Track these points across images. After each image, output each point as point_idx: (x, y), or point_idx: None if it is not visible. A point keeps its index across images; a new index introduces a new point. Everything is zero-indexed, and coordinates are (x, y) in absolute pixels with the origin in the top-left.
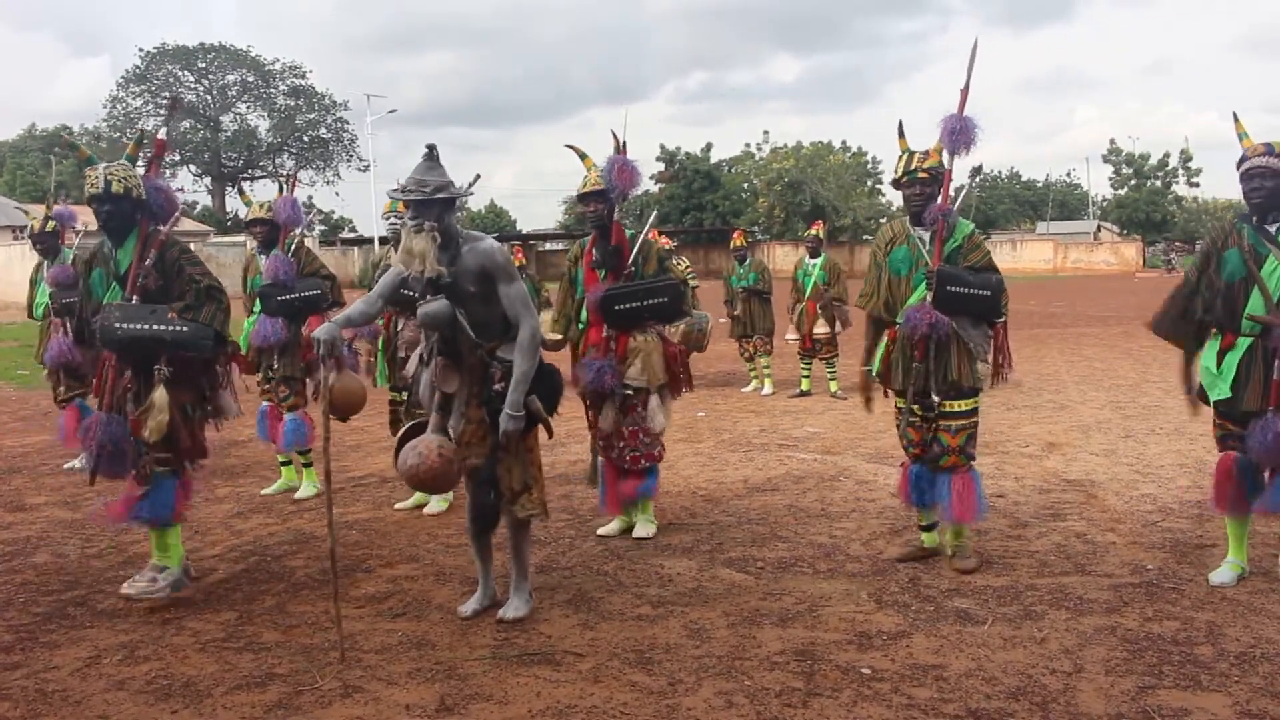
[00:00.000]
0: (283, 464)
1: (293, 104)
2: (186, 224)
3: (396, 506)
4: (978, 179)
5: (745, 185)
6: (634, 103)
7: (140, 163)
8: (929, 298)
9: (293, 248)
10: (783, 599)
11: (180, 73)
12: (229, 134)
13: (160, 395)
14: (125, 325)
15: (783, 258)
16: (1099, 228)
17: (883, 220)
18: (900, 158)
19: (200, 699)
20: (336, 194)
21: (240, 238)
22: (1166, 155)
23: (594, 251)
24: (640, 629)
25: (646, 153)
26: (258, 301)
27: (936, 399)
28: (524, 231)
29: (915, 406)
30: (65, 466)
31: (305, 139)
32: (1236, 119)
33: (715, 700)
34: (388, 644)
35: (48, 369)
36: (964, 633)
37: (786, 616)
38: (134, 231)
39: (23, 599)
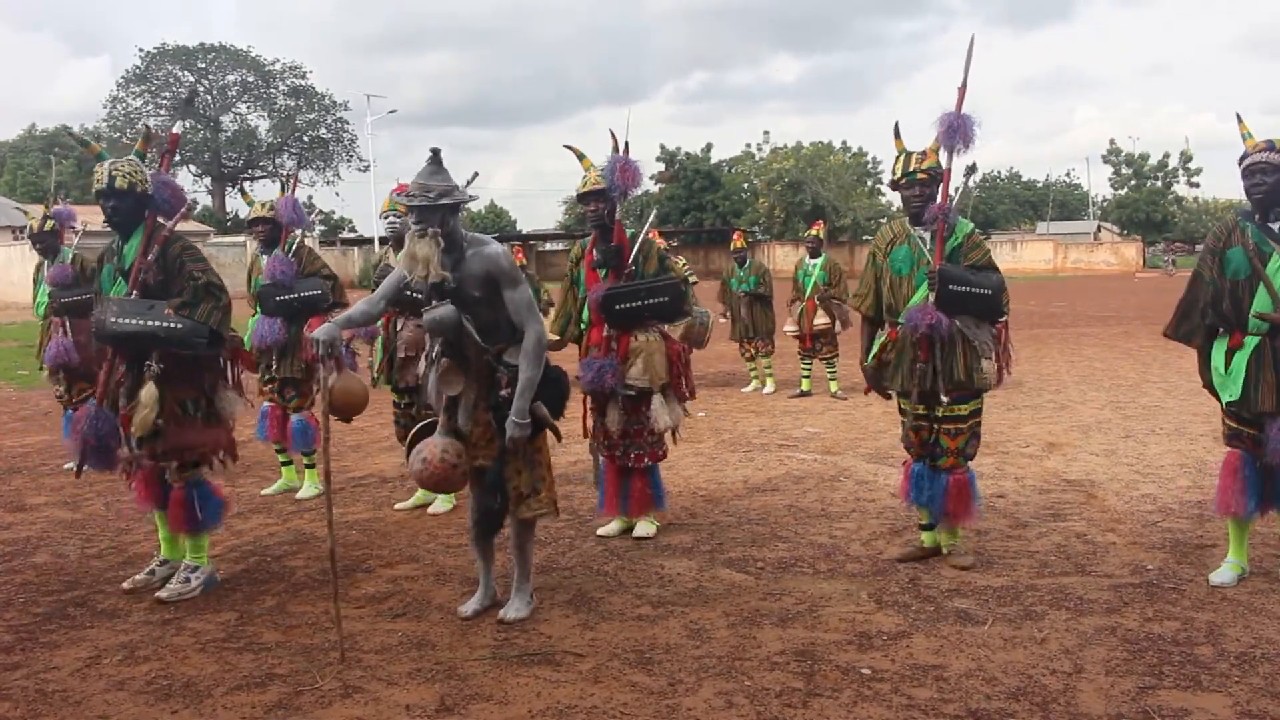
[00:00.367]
0: (284, 464)
1: (293, 104)
2: (187, 224)
3: (397, 507)
4: (973, 178)
5: (745, 185)
6: (634, 103)
7: (151, 158)
8: (931, 297)
9: (293, 248)
10: (783, 599)
11: (180, 73)
12: (229, 134)
13: (148, 391)
14: (119, 320)
15: (783, 258)
16: (1099, 228)
17: (883, 220)
18: (898, 159)
19: (200, 699)
20: (336, 194)
21: (240, 238)
22: (1166, 155)
23: (595, 251)
24: (640, 629)
25: (647, 153)
26: (258, 301)
27: (945, 400)
28: (524, 232)
29: (920, 408)
30: (65, 466)
31: (305, 139)
32: (1240, 119)
33: (715, 700)
34: (388, 644)
35: (48, 369)
36: (964, 633)
37: (786, 617)
38: (140, 227)
39: (23, 599)
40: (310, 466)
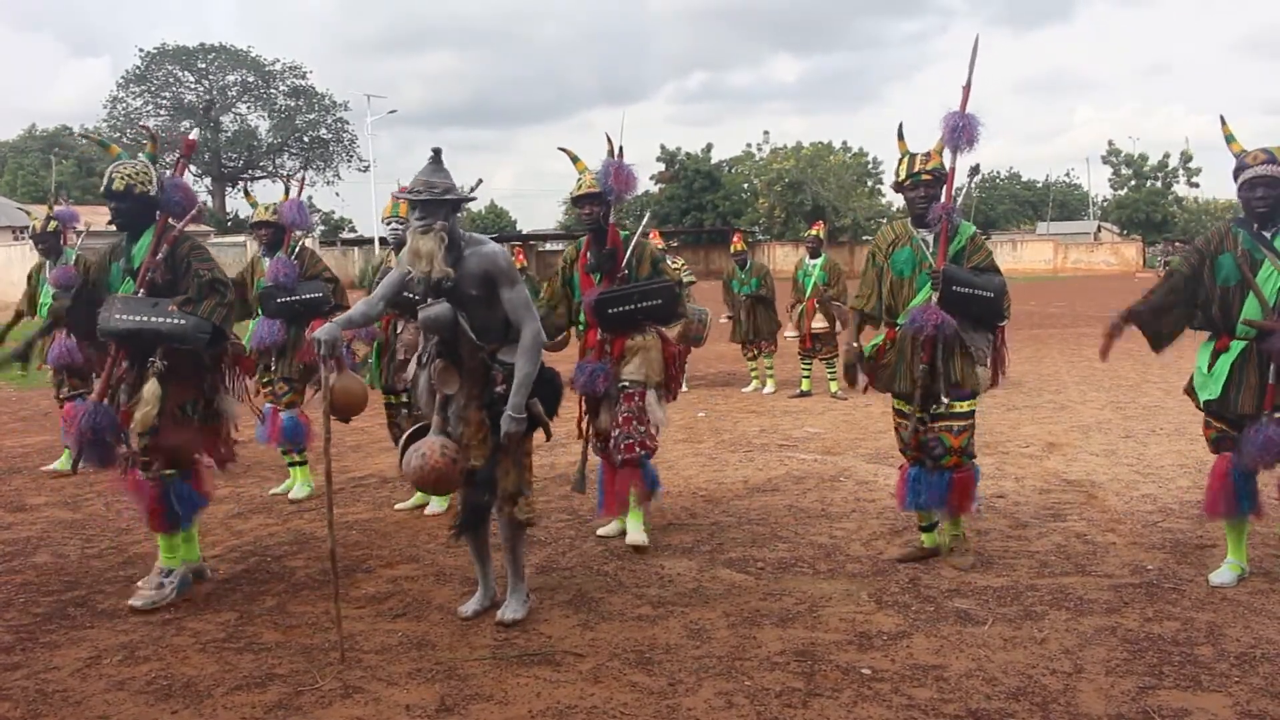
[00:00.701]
0: (290, 464)
1: (293, 104)
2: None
3: (397, 507)
4: (976, 179)
5: (745, 185)
6: (634, 103)
7: (166, 161)
8: (934, 298)
9: (296, 250)
10: (783, 599)
11: (180, 73)
12: (229, 134)
13: (151, 388)
14: (122, 317)
15: (783, 258)
16: (1099, 228)
17: (883, 220)
18: (901, 160)
19: (200, 699)
20: (337, 194)
21: (240, 238)
22: (1166, 156)
23: (589, 255)
24: (640, 629)
25: (647, 153)
26: (259, 303)
27: (945, 401)
28: (524, 232)
29: (920, 410)
30: (45, 467)
31: (305, 139)
32: (1224, 121)
33: (715, 700)
34: (388, 644)
35: (51, 368)
36: (964, 633)
37: (787, 617)
38: (150, 228)
39: (23, 599)
40: (301, 464)
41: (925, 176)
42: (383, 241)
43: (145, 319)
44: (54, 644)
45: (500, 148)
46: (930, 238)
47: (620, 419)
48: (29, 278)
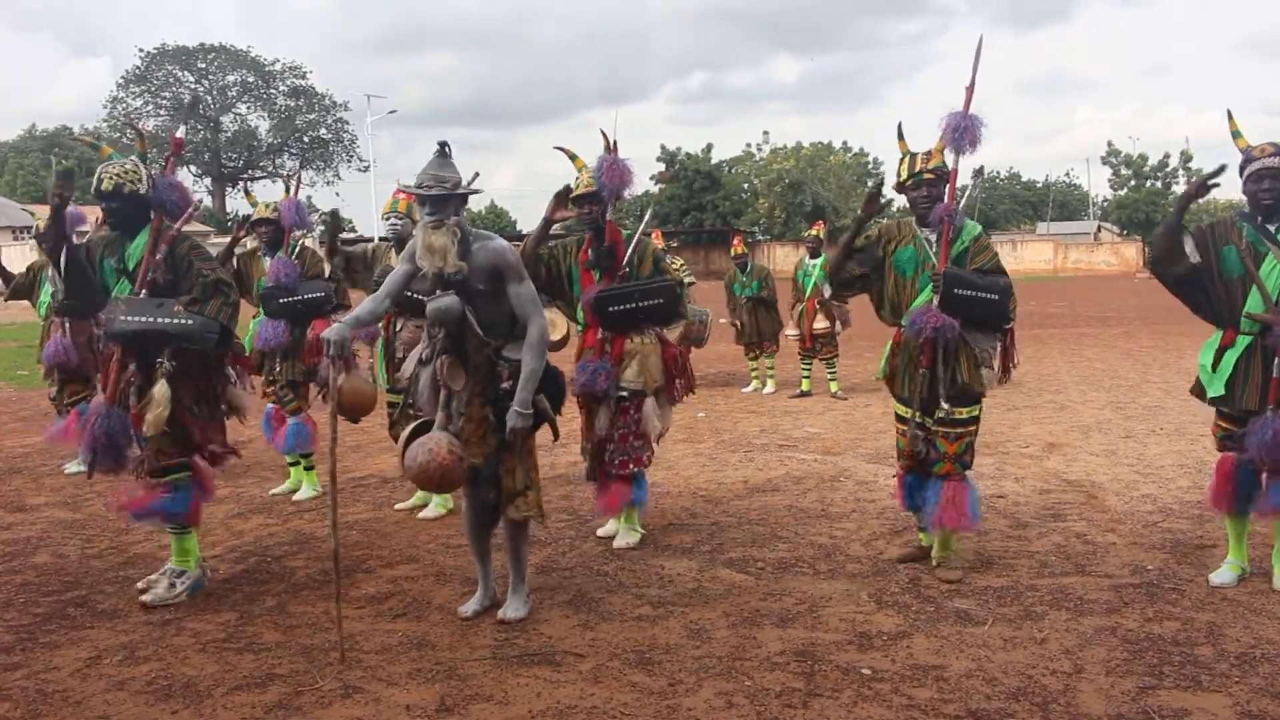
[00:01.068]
0: (291, 464)
1: (293, 104)
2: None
3: (397, 507)
4: (981, 180)
5: (745, 186)
6: (634, 103)
7: (154, 158)
8: (935, 300)
9: (296, 250)
10: (783, 599)
11: (180, 73)
12: (229, 134)
13: (161, 389)
14: (129, 318)
15: (783, 258)
16: (1099, 228)
17: (883, 220)
18: (902, 160)
19: (200, 699)
20: (337, 194)
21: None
22: (1166, 156)
23: (589, 252)
24: (640, 629)
25: (647, 153)
26: (260, 303)
27: (946, 406)
28: (524, 232)
29: (918, 417)
30: (65, 470)
31: (305, 139)
32: (1230, 117)
33: (715, 701)
34: (388, 644)
35: (44, 368)
36: (964, 633)
37: (787, 617)
38: (146, 227)
39: (23, 599)
40: (309, 469)
41: (927, 175)
42: (382, 239)
43: (152, 320)
44: (54, 644)
45: (500, 148)
46: (934, 238)
47: (618, 434)
48: (28, 269)
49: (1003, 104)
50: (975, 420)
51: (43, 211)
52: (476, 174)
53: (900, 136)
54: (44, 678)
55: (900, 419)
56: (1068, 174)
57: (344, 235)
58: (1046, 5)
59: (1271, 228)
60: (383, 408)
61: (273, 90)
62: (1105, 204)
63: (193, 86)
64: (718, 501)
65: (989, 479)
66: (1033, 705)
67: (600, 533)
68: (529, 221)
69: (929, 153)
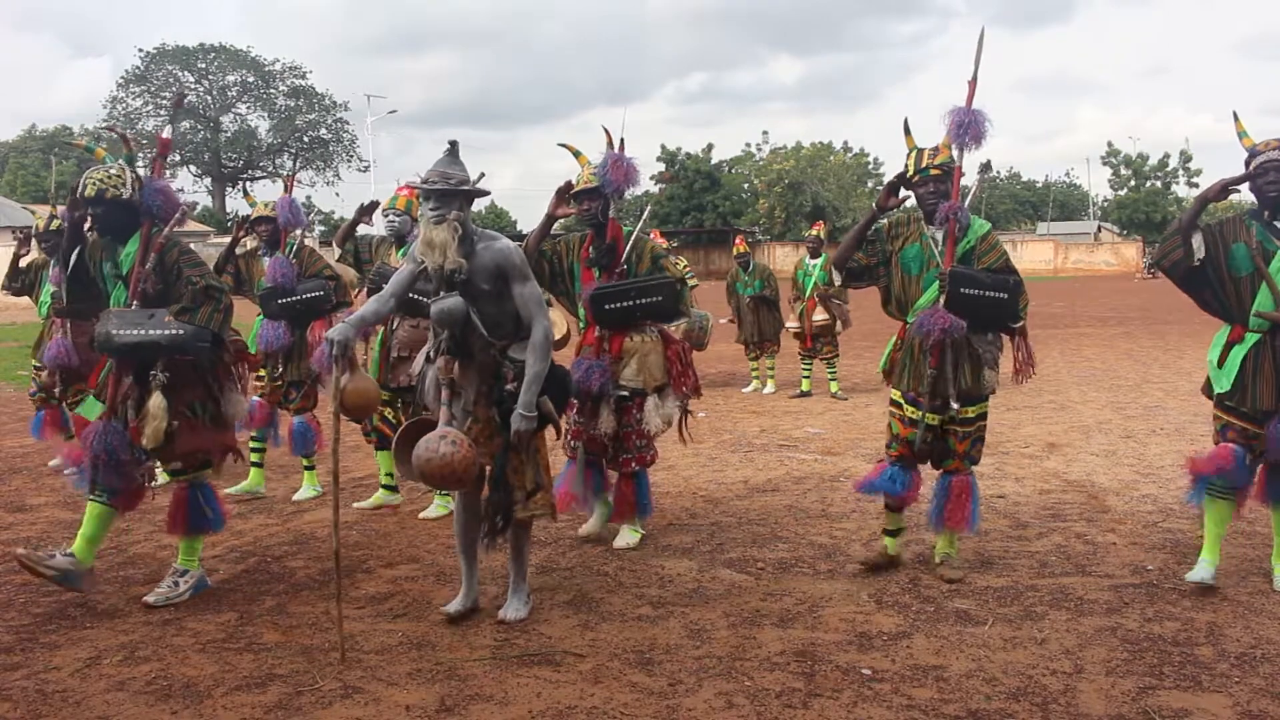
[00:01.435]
0: (254, 464)
1: (293, 104)
2: (186, 224)
3: (355, 505)
4: (986, 176)
5: (745, 186)
6: (635, 104)
7: (143, 159)
8: (942, 299)
9: (294, 249)
10: (783, 599)
11: (180, 73)
12: (229, 134)
13: (156, 401)
14: (122, 332)
15: (783, 258)
16: (1099, 228)
17: (896, 213)
18: (909, 156)
19: (200, 700)
20: (337, 194)
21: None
22: (1166, 156)
23: (589, 250)
24: (640, 629)
25: (647, 153)
26: (260, 304)
27: (956, 406)
28: (524, 232)
29: (930, 416)
30: (50, 465)
31: (305, 139)
32: (1236, 118)
33: (716, 701)
34: (388, 644)
35: (46, 368)
36: (964, 633)
37: (787, 617)
38: (136, 234)
39: (23, 599)
40: (309, 468)
41: (934, 171)
42: (381, 239)
43: (144, 332)
44: (54, 644)
45: (500, 148)
46: (939, 236)
47: (620, 434)
48: (28, 267)
49: (1003, 104)
50: (984, 418)
51: (44, 211)
52: (483, 174)
53: (907, 132)
54: (44, 678)
55: (895, 404)
56: (1068, 174)
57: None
58: (1046, 5)
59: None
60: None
61: (273, 90)
62: (1105, 204)
63: (193, 86)
64: (718, 501)
65: (989, 479)
66: (1033, 705)
67: (581, 531)
68: (529, 221)
69: (936, 148)
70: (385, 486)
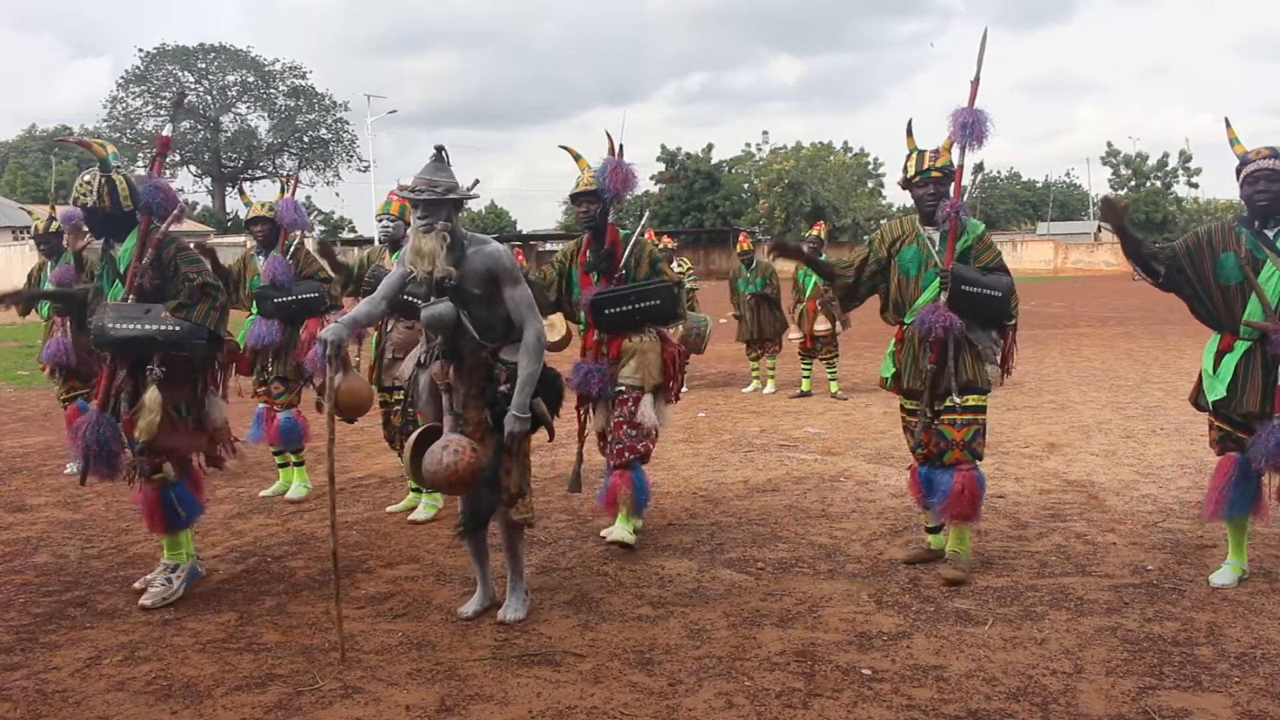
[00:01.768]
0: (280, 466)
1: (293, 104)
2: (186, 224)
3: (389, 509)
4: (979, 177)
5: (745, 186)
6: (635, 104)
7: (143, 162)
8: (942, 297)
9: (292, 249)
10: (783, 599)
11: (180, 73)
12: (229, 134)
13: (151, 395)
14: (118, 326)
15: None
16: (1099, 228)
17: (883, 221)
18: (910, 156)
19: (200, 700)
20: (336, 194)
21: (240, 238)
22: (1166, 156)
23: (588, 253)
24: (640, 629)
25: (647, 153)
26: (255, 302)
27: (956, 400)
28: (524, 232)
29: (929, 410)
30: (66, 470)
31: (305, 139)
32: (1228, 124)
33: (716, 701)
34: (388, 644)
35: (46, 367)
36: (964, 633)
37: (787, 617)
38: (132, 231)
39: (23, 599)
40: (299, 465)
41: (935, 173)
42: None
43: (141, 327)
44: (54, 644)
45: (501, 148)
46: (937, 236)
47: (613, 424)
48: (29, 278)
49: (1003, 104)
50: (982, 409)
51: (42, 212)
52: (477, 180)
53: (909, 133)
54: (44, 678)
55: (907, 412)
56: (1068, 174)
57: (344, 236)
58: (1046, 5)
59: (1270, 233)
60: (378, 407)
61: (273, 90)
62: None
63: (193, 86)
64: (718, 501)
65: (989, 479)
66: (1033, 705)
67: (603, 532)
68: (529, 222)
69: (937, 150)
70: (415, 490)
